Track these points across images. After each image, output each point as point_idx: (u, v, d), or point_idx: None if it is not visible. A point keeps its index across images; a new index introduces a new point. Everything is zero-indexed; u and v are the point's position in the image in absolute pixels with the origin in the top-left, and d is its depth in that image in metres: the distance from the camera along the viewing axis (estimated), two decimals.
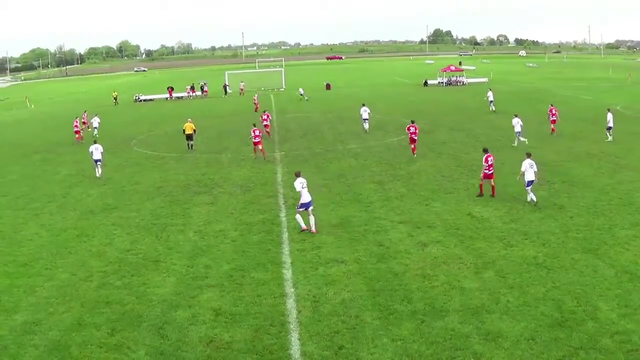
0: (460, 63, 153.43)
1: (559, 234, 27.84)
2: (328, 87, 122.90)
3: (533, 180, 32.44)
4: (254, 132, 48.37)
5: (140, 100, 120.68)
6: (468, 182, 37.14)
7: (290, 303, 21.71)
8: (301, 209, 29.83)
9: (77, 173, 48.42)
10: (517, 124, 50.44)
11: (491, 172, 34.38)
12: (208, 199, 37.46)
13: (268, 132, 61.13)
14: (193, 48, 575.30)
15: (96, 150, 46.11)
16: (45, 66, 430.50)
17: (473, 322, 19.62)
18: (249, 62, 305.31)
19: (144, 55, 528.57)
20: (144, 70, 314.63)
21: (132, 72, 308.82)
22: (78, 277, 25.69)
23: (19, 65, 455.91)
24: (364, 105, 62.97)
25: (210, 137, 63.08)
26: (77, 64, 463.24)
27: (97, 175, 46.09)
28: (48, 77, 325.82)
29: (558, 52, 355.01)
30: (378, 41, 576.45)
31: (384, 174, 41.39)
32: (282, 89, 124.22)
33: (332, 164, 45.98)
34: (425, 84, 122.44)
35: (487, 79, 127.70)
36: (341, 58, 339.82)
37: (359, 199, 35.32)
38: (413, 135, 47.50)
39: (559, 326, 19.12)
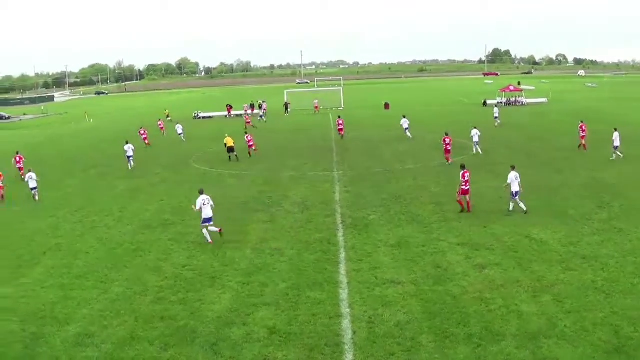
0: (519, 83, 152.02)
1: (617, 258, 27.33)
2: (387, 106, 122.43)
3: (519, 191, 35.33)
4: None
5: (199, 117, 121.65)
6: (527, 204, 36.69)
7: (346, 323, 21.61)
8: (204, 224, 32.67)
9: (134, 188, 49.01)
10: (616, 138, 51.87)
11: (467, 187, 36.25)
12: (265, 217, 37.55)
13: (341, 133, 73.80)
14: (252, 66, 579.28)
15: (129, 149, 59.60)
16: (105, 82, 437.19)
17: (530, 347, 19.32)
18: (307, 80, 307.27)
19: (202, 73, 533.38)
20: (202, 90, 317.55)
21: (191, 90, 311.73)
22: (133, 291, 25.96)
23: (78, 80, 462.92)
24: (404, 117, 72.53)
25: (269, 156, 63.28)
26: (136, 80, 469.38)
27: (129, 167, 58.51)
28: (107, 93, 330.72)
29: (618, 72, 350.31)
30: (436, 60, 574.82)
31: (443, 195, 41.04)
32: (341, 108, 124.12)
33: (390, 183, 45.78)
34: (485, 103, 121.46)
35: (546, 99, 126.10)
36: (497, 74, 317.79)
37: (417, 220, 35.08)
38: (447, 146, 52.86)
39: (617, 352, 18.77)
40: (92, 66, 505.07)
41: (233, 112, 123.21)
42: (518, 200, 35.52)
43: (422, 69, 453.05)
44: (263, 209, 39.61)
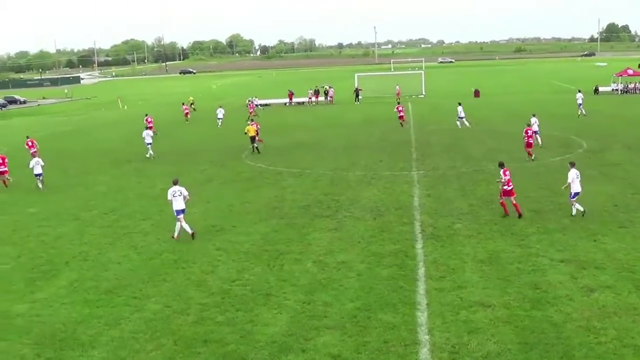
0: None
1: None
2: (477, 94, 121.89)
3: (579, 192, 36.62)
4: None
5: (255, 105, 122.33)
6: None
7: (424, 353, 21.51)
8: (178, 217, 35.60)
9: None
10: None
11: (510, 187, 37.50)
12: (331, 224, 37.60)
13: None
14: (316, 45, 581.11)
15: (147, 136, 66.21)
16: (141, 61, 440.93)
17: None
18: (382, 62, 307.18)
19: (258, 52, 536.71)
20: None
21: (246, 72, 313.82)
22: (172, 309, 26.15)
23: (109, 58, 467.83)
24: (460, 104, 78.16)
25: (336, 151, 63.52)
26: (179, 59, 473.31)
27: (147, 155, 65.12)
28: (144, 74, 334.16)
29: None
30: (538, 39, 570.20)
31: (543, 201, 40.67)
32: (422, 96, 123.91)
33: (480, 186, 45.49)
34: (596, 91, 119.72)
35: None
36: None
37: (511, 231, 34.77)
38: (529, 139, 54.63)
39: None
40: (125, 42, 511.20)
41: (295, 99, 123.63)
42: (574, 201, 36.82)
43: (519, 48, 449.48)
44: (328, 215, 39.67)
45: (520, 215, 36.91)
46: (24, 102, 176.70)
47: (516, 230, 34.80)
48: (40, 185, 51.44)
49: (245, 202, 43.62)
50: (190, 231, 35.67)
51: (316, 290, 27.37)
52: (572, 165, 37.35)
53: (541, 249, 31.52)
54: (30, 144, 65.19)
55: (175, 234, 35.84)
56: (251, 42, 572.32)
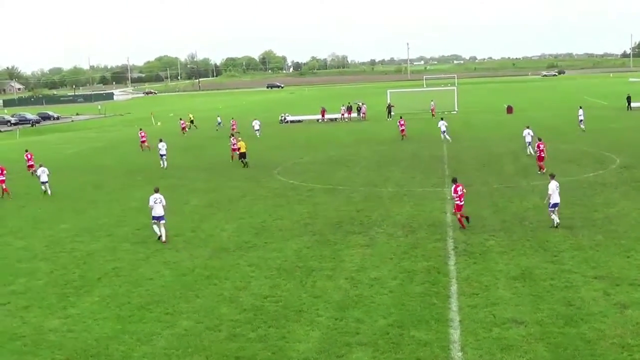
0: None
1: None
2: (509, 110, 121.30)
3: (558, 203, 38.46)
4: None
5: (287, 122, 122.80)
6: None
7: None
8: (154, 221, 39.73)
9: (209, 204, 49.69)
10: None
11: (461, 203, 39.19)
12: (363, 241, 37.49)
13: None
14: (349, 61, 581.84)
15: (162, 147, 70.50)
16: (174, 77, 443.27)
17: None
18: (414, 78, 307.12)
19: (290, 69, 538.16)
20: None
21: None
22: (204, 325, 26.20)
23: (142, 75, 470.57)
24: (442, 119, 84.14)
25: (368, 167, 63.46)
26: (212, 76, 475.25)
27: (162, 166, 69.77)
28: (177, 91, 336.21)
29: None
30: (570, 54, 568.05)
31: (576, 217, 40.37)
32: (455, 112, 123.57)
33: (513, 203, 45.24)
34: (629, 106, 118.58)
35: None
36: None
37: (544, 247, 34.56)
38: (541, 153, 55.40)
39: None
40: (159, 59, 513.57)
41: (327, 116, 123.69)
42: (555, 211, 38.54)
43: (552, 64, 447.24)
44: (360, 231, 39.60)
45: (463, 227, 38.91)
46: (58, 118, 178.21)
47: (549, 246, 34.59)
48: (48, 191, 57.43)
49: (277, 219, 43.66)
50: (163, 237, 39.37)
51: (348, 307, 27.32)
52: (552, 177, 39.50)
53: (574, 266, 31.32)
54: (28, 157, 71.94)
55: (159, 233, 39.65)
56: (284, 58, 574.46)
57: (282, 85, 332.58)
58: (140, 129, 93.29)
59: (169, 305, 28.65)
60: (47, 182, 57.68)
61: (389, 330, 24.66)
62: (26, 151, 73.84)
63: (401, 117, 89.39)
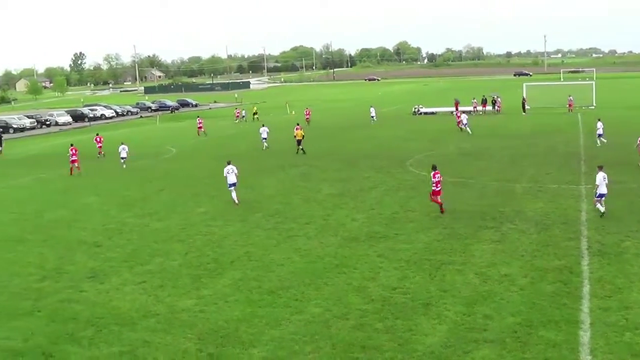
0: None
1: None
2: None
3: (605, 194, 39.90)
4: None
5: (420, 113, 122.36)
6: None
7: None
8: (230, 188, 47.43)
9: (341, 193, 49.78)
10: None
11: (439, 188, 42.15)
12: (494, 236, 37.00)
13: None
14: (484, 53, 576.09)
15: (264, 132, 78.07)
16: (309, 67, 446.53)
17: None
18: (551, 71, 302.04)
19: (425, 60, 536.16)
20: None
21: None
22: (332, 313, 26.30)
23: (278, 64, 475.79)
24: (599, 120, 74.15)
25: (501, 162, 62.64)
26: (346, 66, 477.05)
27: (263, 148, 76.69)
28: (312, 80, 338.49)
29: None
30: None
31: None
32: (592, 107, 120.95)
33: None
34: None
35: None
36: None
37: None
38: None
39: None
40: (294, 49, 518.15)
41: (460, 108, 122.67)
42: (601, 201, 40.09)
43: None
44: (492, 226, 39.08)
45: (442, 212, 41.94)
46: (196, 106, 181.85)
47: None
48: (124, 165, 68.13)
49: (408, 210, 43.48)
50: (235, 200, 47.22)
51: (477, 303, 27.01)
52: (600, 168, 40.77)
53: None
54: (98, 139, 79.89)
55: (236, 201, 47.13)
56: (418, 49, 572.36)
57: (379, 79, 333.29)
58: (198, 117, 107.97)
59: (297, 292, 28.88)
60: (125, 157, 68.68)
61: (518, 329, 24.25)
62: (97, 134, 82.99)
63: (457, 109, 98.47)
